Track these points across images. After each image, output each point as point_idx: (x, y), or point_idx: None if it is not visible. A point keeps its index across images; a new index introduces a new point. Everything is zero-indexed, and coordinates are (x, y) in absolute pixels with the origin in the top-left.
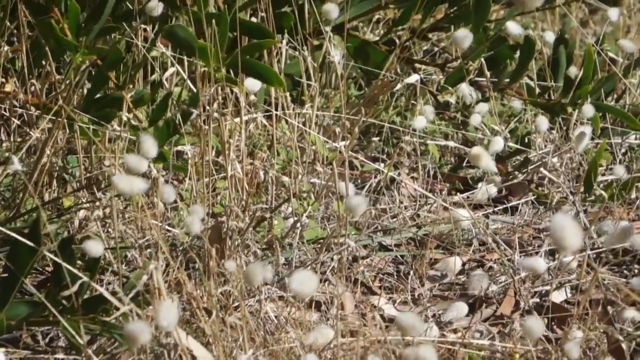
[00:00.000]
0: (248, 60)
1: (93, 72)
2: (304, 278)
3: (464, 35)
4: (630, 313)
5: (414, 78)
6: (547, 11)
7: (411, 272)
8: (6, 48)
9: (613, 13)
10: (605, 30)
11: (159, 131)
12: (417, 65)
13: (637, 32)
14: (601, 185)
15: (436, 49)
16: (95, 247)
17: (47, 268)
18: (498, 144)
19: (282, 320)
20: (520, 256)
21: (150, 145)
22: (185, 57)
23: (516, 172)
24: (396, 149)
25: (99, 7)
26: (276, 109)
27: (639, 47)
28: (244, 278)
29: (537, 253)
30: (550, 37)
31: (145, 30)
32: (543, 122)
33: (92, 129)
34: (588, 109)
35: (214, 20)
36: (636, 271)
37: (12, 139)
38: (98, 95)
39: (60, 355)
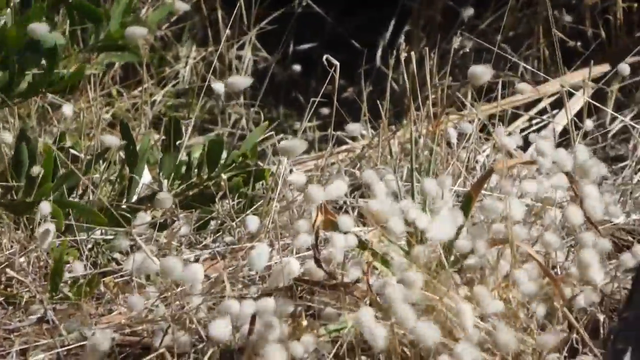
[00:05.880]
0: None
1: None
2: None
3: None
4: None
5: None
6: (7, 111)
7: None
8: None
9: (67, 109)
10: (71, 127)
11: None
12: None
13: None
14: (69, 281)
15: None
16: None
17: None
18: None
19: None
20: None
21: None
22: None
23: None
24: None
25: None
26: None
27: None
28: None
29: (8, 354)
30: (8, 137)
31: None
32: None
33: None
34: (44, 207)
35: None
36: None
37: None
38: None
39: None
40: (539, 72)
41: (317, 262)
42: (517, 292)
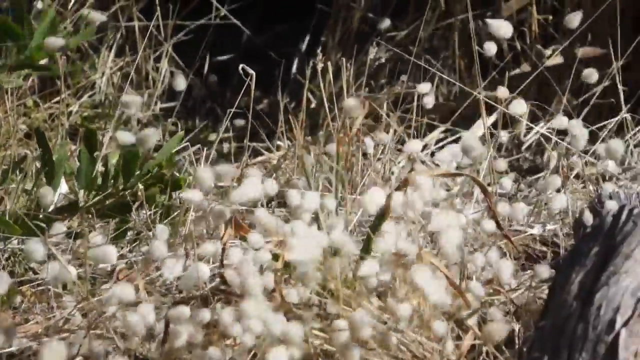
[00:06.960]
0: None
1: None
2: None
3: None
4: None
5: None
6: None
7: None
8: None
9: None
10: None
11: None
12: None
13: None
14: None
15: None
16: None
17: None
18: None
19: None
20: None
21: None
22: None
23: None
24: None
25: None
26: None
27: None
28: None
29: None
30: None
31: None
32: None
33: None
34: None
35: None
36: None
37: None
38: None
39: None
40: (455, 82)
41: (222, 277)
42: (427, 304)
